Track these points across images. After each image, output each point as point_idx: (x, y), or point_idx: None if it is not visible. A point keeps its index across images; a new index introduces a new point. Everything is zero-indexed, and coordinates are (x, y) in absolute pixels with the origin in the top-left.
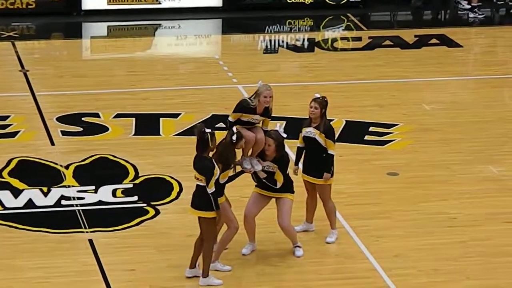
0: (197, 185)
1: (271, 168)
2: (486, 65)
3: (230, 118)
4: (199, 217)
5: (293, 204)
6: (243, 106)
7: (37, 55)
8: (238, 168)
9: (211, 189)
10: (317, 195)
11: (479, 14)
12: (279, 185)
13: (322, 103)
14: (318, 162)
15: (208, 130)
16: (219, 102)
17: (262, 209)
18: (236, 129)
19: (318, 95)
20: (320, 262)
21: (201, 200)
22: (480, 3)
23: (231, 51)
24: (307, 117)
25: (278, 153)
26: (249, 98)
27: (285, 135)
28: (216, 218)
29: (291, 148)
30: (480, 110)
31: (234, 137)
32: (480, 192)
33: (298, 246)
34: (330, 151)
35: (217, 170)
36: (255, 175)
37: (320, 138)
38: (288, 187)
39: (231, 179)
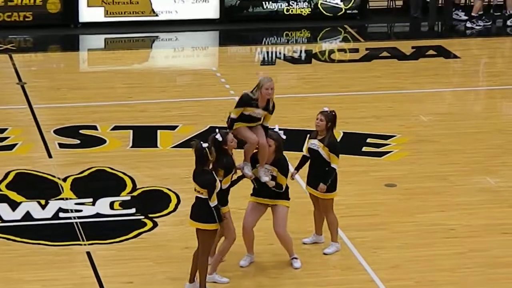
0: (198, 197)
1: (270, 172)
2: (483, 76)
3: (232, 115)
4: (198, 229)
5: (288, 211)
6: (245, 100)
7: (34, 67)
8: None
9: (213, 202)
10: None
11: (476, 25)
12: (283, 187)
13: (329, 116)
14: (321, 175)
15: (205, 145)
16: (216, 114)
17: (260, 217)
18: (219, 130)
19: (326, 109)
20: (318, 274)
21: (201, 212)
22: (477, 14)
23: (229, 63)
24: (305, 129)
25: (277, 155)
26: (250, 92)
27: (284, 137)
28: (217, 230)
29: (289, 160)
30: (478, 121)
31: (218, 136)
32: (478, 203)
33: (295, 258)
34: (333, 165)
35: (218, 183)
36: (255, 181)
37: (324, 152)
38: (284, 193)
39: (233, 183)
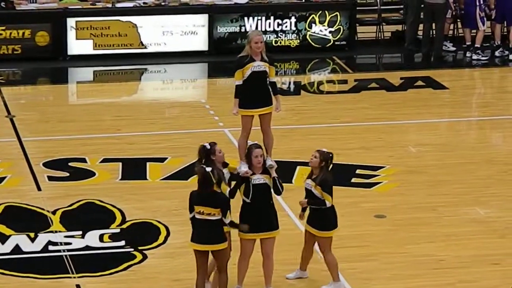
0: (208, 220)
1: (262, 180)
2: (472, 107)
3: (236, 82)
4: (212, 251)
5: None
6: (237, 61)
7: (23, 100)
8: None
9: (228, 219)
10: (313, 247)
11: (483, 56)
12: (283, 189)
13: (324, 155)
14: (318, 214)
15: (208, 169)
16: None
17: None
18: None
19: (325, 150)
20: None
21: (214, 233)
22: (478, 46)
23: (218, 95)
24: (294, 160)
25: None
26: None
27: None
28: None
29: None
30: (467, 152)
31: (206, 144)
32: (467, 234)
33: None
34: (327, 202)
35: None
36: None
37: (316, 191)
38: (273, 222)
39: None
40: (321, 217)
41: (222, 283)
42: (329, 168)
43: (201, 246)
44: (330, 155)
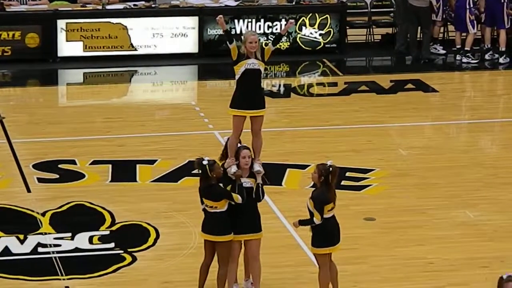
0: (211, 213)
1: (249, 184)
2: (462, 110)
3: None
4: (214, 242)
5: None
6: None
7: (13, 102)
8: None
9: (238, 200)
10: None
11: (472, 59)
12: (263, 197)
13: (321, 169)
14: (312, 229)
15: (205, 162)
16: (195, 148)
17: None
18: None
19: (329, 162)
20: None
21: (217, 225)
22: (468, 49)
23: (207, 97)
24: (284, 163)
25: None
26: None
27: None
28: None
29: (269, 194)
30: (456, 155)
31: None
32: (457, 237)
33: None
34: (314, 219)
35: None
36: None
37: (310, 204)
38: (257, 224)
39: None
40: (313, 233)
41: (220, 277)
42: (331, 182)
43: (206, 236)
44: (330, 168)
